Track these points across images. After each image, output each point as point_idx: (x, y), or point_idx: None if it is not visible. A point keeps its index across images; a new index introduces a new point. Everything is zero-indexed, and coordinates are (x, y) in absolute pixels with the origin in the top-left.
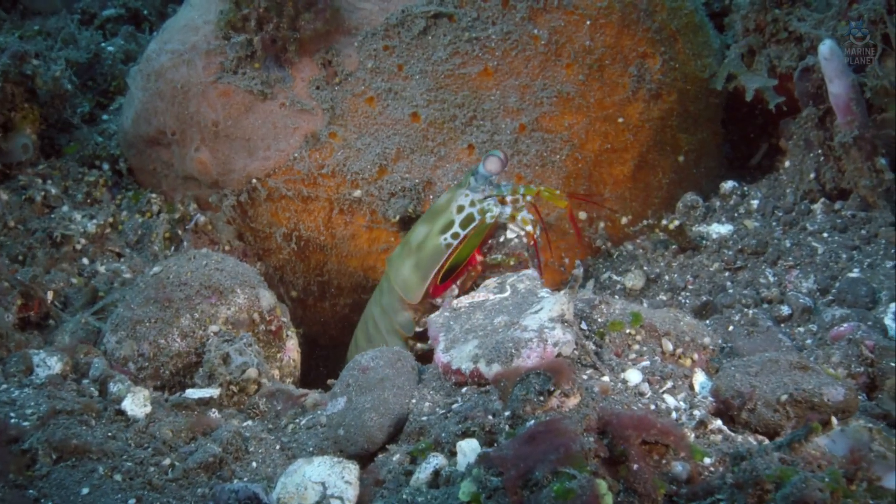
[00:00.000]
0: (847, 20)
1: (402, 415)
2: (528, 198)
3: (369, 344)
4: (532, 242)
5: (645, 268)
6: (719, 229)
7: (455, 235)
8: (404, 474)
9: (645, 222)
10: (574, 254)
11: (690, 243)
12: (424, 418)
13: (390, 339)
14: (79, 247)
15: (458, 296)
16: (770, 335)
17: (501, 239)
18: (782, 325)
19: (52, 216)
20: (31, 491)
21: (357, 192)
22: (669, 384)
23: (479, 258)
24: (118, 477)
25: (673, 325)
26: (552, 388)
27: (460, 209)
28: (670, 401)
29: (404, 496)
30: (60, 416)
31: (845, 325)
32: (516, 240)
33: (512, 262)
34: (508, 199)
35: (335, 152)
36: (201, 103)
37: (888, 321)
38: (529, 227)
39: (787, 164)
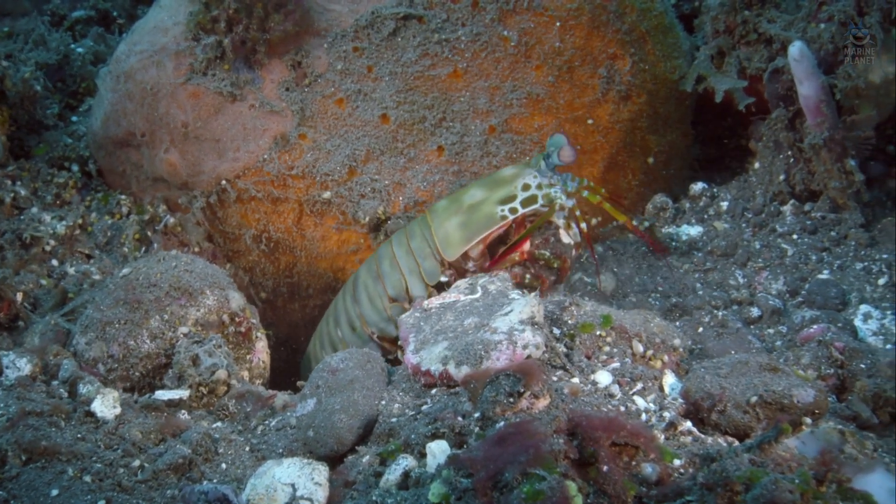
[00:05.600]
0: (817, 21)
1: (372, 416)
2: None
3: (354, 304)
4: (589, 246)
5: (615, 269)
6: (689, 231)
7: (513, 210)
8: (374, 476)
9: (615, 223)
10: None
11: (660, 245)
12: (394, 420)
13: (412, 280)
14: (48, 248)
15: (489, 271)
16: (740, 337)
17: (553, 238)
18: (752, 326)
19: (22, 218)
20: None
21: (327, 194)
22: (639, 386)
23: (526, 247)
24: (88, 478)
25: (643, 326)
26: (522, 390)
27: (526, 187)
28: (640, 402)
29: (374, 498)
30: (30, 418)
31: (815, 326)
32: (567, 242)
33: (556, 265)
34: (570, 197)
35: (305, 154)
36: (171, 105)
37: (858, 323)
38: (579, 233)
39: (756, 165)
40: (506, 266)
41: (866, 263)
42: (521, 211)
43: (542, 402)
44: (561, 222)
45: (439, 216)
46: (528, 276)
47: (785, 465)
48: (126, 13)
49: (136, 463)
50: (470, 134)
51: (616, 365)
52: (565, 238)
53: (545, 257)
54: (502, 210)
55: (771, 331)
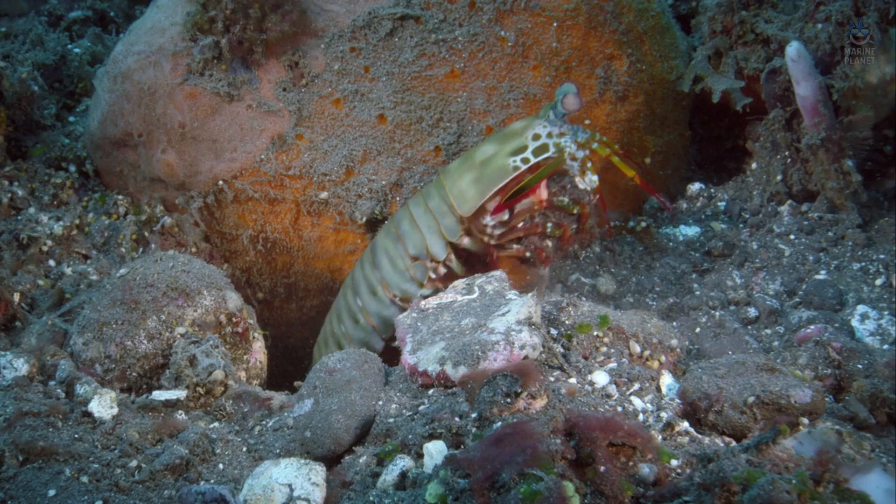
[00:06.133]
0: (814, 22)
1: (369, 417)
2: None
3: (374, 270)
4: (599, 198)
5: (612, 270)
6: (686, 231)
7: (525, 160)
8: (371, 476)
9: (612, 224)
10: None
11: (658, 245)
12: (391, 420)
13: (432, 238)
14: (45, 248)
15: (509, 222)
16: (737, 337)
17: (569, 185)
18: (749, 327)
19: (19, 218)
20: None
21: (324, 194)
22: (637, 386)
23: (544, 195)
24: (85, 479)
25: (640, 326)
26: (519, 390)
27: (536, 137)
28: (637, 403)
29: (371, 498)
30: (27, 418)
31: (812, 327)
32: (584, 188)
33: (575, 211)
34: (581, 148)
35: (302, 154)
36: (168, 105)
37: (855, 323)
38: (596, 180)
39: (753, 166)
40: (525, 216)
41: (863, 264)
42: (533, 160)
43: (540, 403)
44: (576, 170)
45: (452, 175)
46: (549, 224)
47: (782, 466)
48: (123, 13)
49: (134, 463)
50: (467, 134)
51: (613, 365)
52: (581, 184)
53: (564, 203)
54: (514, 161)
55: (768, 331)
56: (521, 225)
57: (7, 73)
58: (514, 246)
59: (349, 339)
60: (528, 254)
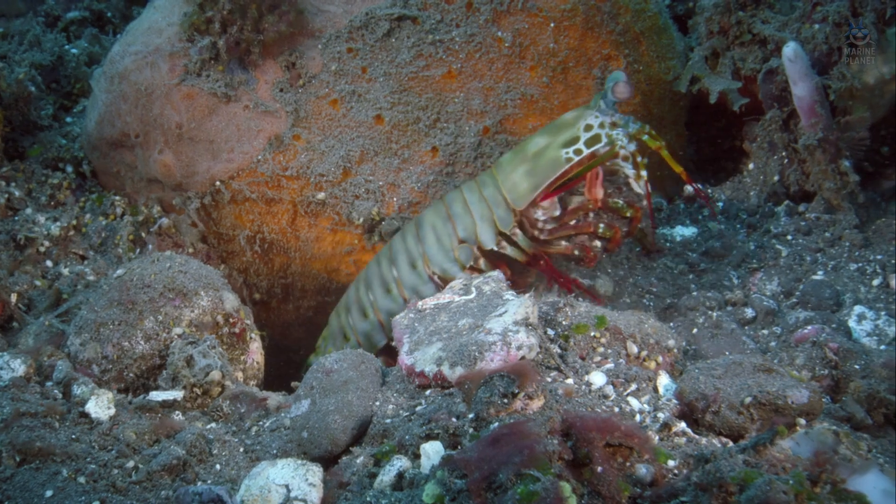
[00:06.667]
0: (811, 22)
1: (366, 417)
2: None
3: (417, 243)
4: (648, 199)
5: (609, 270)
6: (683, 231)
7: (578, 152)
8: (368, 476)
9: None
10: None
11: (654, 245)
12: (388, 421)
13: (483, 226)
14: (42, 249)
15: (561, 218)
16: (734, 337)
17: (625, 188)
18: (746, 327)
19: (16, 219)
20: None
21: (321, 195)
22: (634, 387)
23: (599, 195)
24: (82, 479)
25: (637, 327)
26: (516, 391)
27: (588, 128)
28: (634, 403)
29: (368, 499)
30: (24, 419)
31: (809, 327)
32: (639, 191)
33: (628, 214)
34: (632, 139)
35: (299, 154)
36: (165, 105)
37: (852, 324)
38: (645, 175)
39: (750, 166)
40: (578, 215)
41: (861, 264)
42: (585, 151)
43: (537, 403)
44: (631, 172)
45: (504, 169)
46: (601, 225)
47: (779, 466)
48: (120, 14)
49: (131, 464)
50: (464, 135)
51: (610, 366)
52: (636, 188)
53: (618, 206)
54: (567, 153)
55: (765, 332)
56: (572, 223)
57: (4, 74)
58: (563, 243)
59: (356, 333)
60: (575, 251)
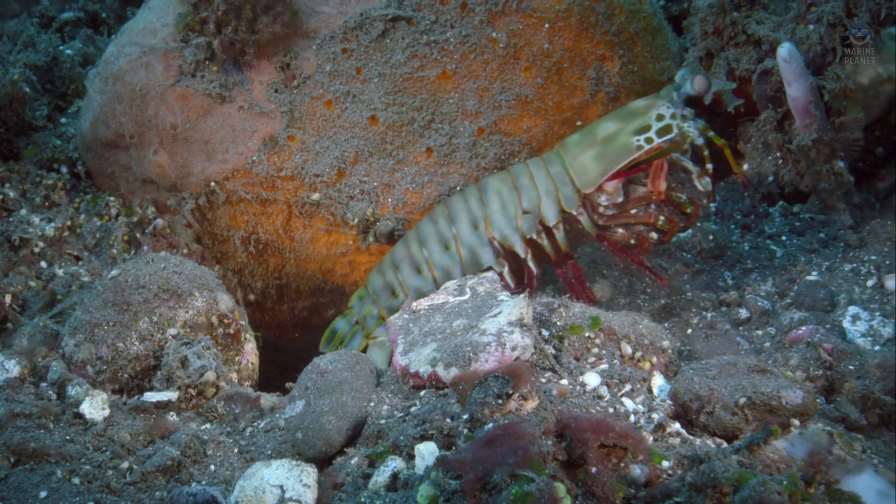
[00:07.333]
0: (805, 23)
1: (361, 418)
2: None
3: (481, 206)
4: (712, 196)
5: (605, 272)
6: (678, 232)
7: (649, 140)
8: (363, 477)
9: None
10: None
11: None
12: (383, 421)
13: (548, 201)
14: (37, 250)
15: (623, 205)
16: (728, 338)
17: (688, 184)
18: (741, 328)
19: (11, 219)
20: None
21: (315, 196)
22: (628, 387)
23: (663, 187)
24: (76, 480)
25: (632, 328)
26: (510, 392)
27: (660, 118)
28: (629, 404)
29: (362, 499)
30: (18, 420)
31: (804, 328)
32: (701, 190)
33: (689, 210)
34: (701, 134)
35: (294, 155)
36: (159, 106)
37: (846, 324)
38: (711, 170)
39: (745, 166)
40: (640, 204)
41: (855, 265)
42: (656, 141)
43: (531, 404)
44: (694, 168)
45: (572, 150)
46: (661, 218)
47: (773, 467)
48: (115, 15)
49: (125, 465)
50: (459, 136)
51: (605, 366)
52: (698, 185)
53: (681, 200)
54: (638, 140)
55: (760, 332)
56: (633, 211)
57: None
58: (619, 230)
59: (405, 288)
60: (632, 241)
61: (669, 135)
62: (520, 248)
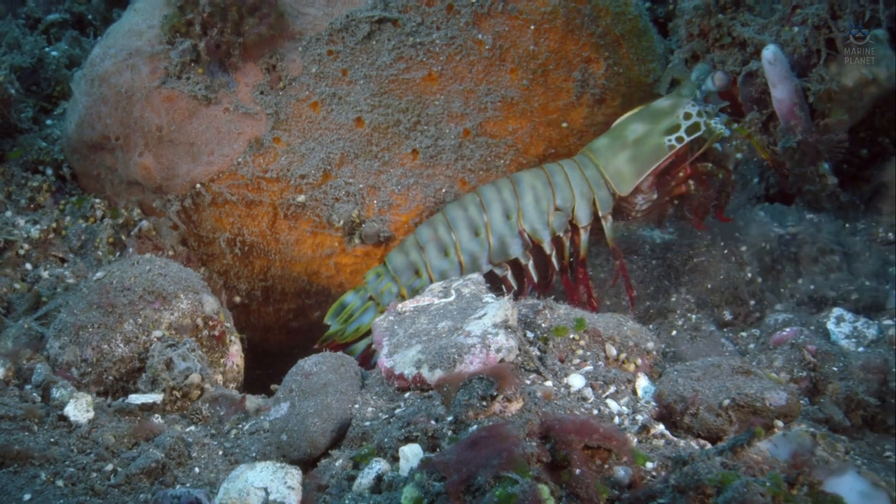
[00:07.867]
0: (790, 25)
1: (345, 420)
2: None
3: (514, 198)
4: (728, 180)
5: (589, 272)
6: (663, 234)
7: (679, 139)
8: (347, 479)
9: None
10: None
11: (634, 247)
12: (367, 423)
13: (581, 203)
14: (22, 252)
15: (657, 199)
16: (713, 340)
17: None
18: (725, 329)
19: None
20: None
21: (301, 197)
22: (612, 389)
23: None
24: (60, 483)
25: (616, 329)
26: (495, 393)
27: (688, 116)
28: (613, 406)
29: (347, 501)
30: (2, 422)
31: (788, 329)
32: (725, 153)
33: (720, 175)
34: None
35: (279, 157)
36: (145, 108)
37: (830, 326)
38: (738, 156)
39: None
40: (672, 188)
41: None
42: (686, 139)
43: (515, 406)
44: (720, 149)
45: (604, 154)
46: (691, 183)
47: (757, 468)
48: (101, 17)
49: (109, 467)
50: (444, 137)
51: (589, 368)
52: (721, 148)
53: (708, 168)
54: (669, 140)
55: (744, 334)
56: (666, 199)
57: None
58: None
59: (429, 270)
60: (687, 213)
61: (697, 132)
62: (547, 244)
